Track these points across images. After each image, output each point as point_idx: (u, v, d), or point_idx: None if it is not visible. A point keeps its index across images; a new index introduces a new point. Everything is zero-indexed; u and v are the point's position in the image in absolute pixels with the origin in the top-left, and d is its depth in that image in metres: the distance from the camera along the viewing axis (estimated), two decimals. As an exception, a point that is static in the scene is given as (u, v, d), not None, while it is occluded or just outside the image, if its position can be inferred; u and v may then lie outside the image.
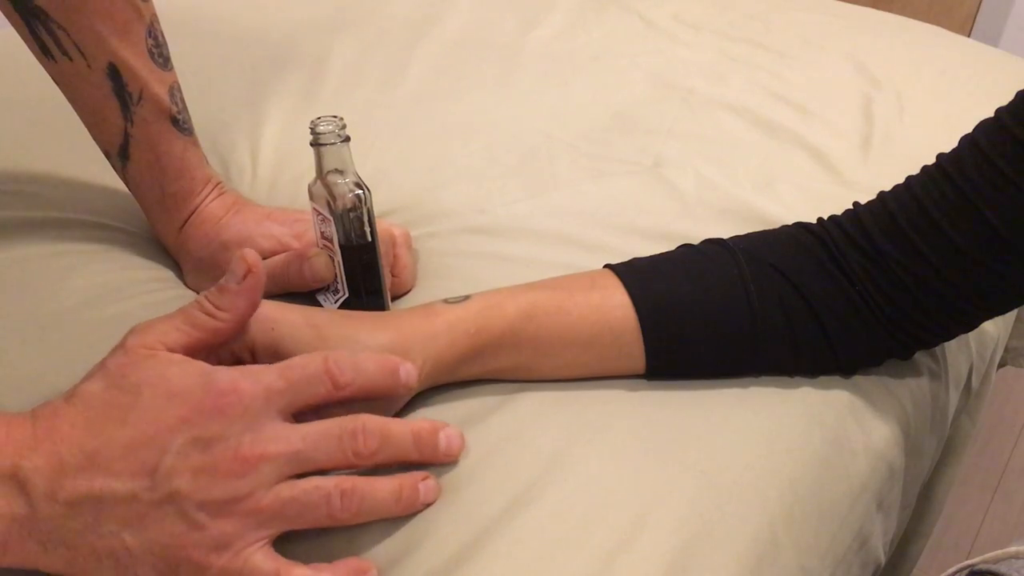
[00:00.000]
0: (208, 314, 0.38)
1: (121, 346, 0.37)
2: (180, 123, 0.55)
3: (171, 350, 0.38)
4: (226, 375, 0.36)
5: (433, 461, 0.41)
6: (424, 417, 0.45)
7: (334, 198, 0.49)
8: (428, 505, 0.40)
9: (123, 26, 0.51)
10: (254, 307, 0.40)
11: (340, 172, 0.48)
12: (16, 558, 0.35)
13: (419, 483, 0.40)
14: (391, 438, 0.39)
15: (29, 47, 0.53)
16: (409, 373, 0.41)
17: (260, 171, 0.70)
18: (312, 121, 0.47)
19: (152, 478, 0.34)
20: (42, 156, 0.68)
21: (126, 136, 0.54)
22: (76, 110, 0.55)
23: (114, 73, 0.52)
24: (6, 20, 0.53)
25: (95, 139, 0.56)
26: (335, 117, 0.47)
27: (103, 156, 0.57)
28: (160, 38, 0.54)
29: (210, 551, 0.35)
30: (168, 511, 0.35)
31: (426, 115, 0.78)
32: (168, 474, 0.34)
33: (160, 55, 0.54)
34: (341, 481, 0.37)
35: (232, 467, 0.35)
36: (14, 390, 0.47)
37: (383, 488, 0.39)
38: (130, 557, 0.35)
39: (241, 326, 0.40)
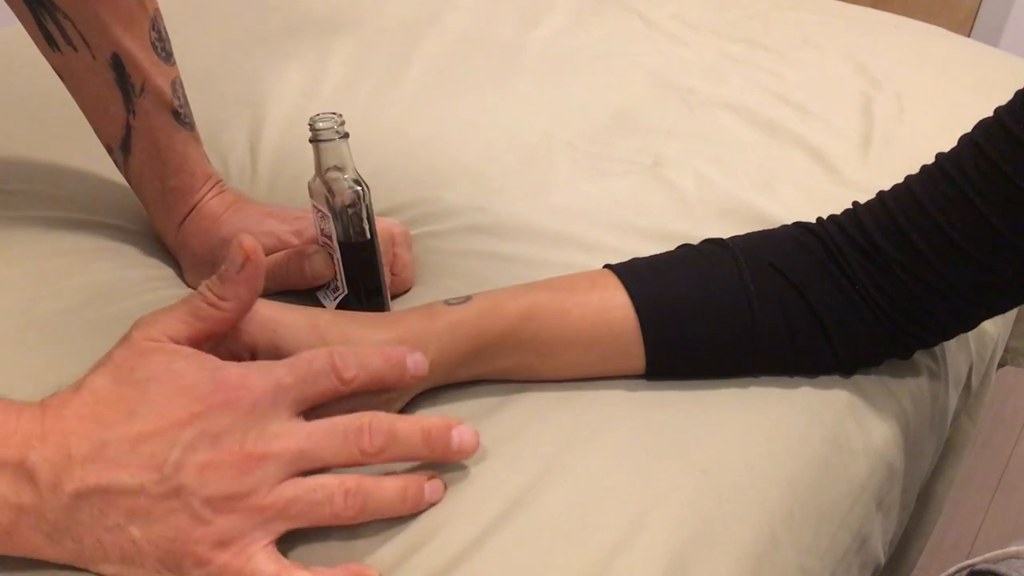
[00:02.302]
0: (211, 304, 0.38)
1: (127, 339, 0.37)
2: (181, 117, 0.55)
3: (177, 342, 0.38)
4: (235, 370, 0.37)
5: (445, 459, 0.41)
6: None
7: (333, 195, 0.49)
8: (433, 504, 0.40)
9: (127, 16, 0.52)
10: (256, 294, 0.39)
11: (339, 169, 0.48)
12: (22, 547, 0.35)
13: (425, 483, 0.40)
14: (399, 436, 0.39)
15: (34, 39, 0.53)
16: (418, 363, 0.41)
17: (260, 170, 0.70)
18: (311, 118, 0.47)
19: (160, 472, 0.34)
20: (42, 155, 0.68)
21: (128, 128, 0.54)
22: (79, 103, 0.56)
23: (117, 63, 0.52)
24: (6, 19, 0.53)
25: (98, 133, 0.56)
26: (334, 114, 0.47)
27: (104, 155, 0.57)
28: (163, 32, 0.55)
29: (214, 547, 0.35)
30: (174, 505, 0.35)
31: (426, 115, 0.78)
32: (176, 468, 0.34)
33: (163, 49, 0.54)
34: (346, 480, 0.37)
35: (237, 463, 0.35)
36: (14, 390, 0.47)
37: (388, 487, 0.39)
38: (136, 550, 0.35)
39: (244, 314, 0.40)
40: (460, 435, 0.40)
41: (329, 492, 0.37)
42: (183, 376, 0.36)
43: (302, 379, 0.37)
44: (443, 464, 0.42)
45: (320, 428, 0.37)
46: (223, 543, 0.35)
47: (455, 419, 0.41)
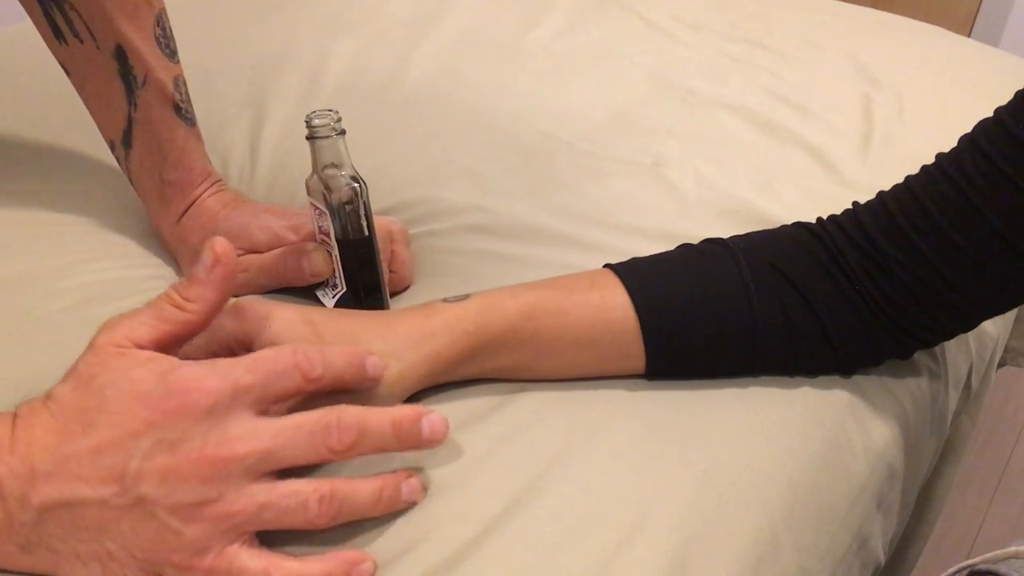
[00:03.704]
0: (177, 306, 0.37)
1: (91, 345, 0.36)
2: (183, 111, 0.56)
3: (141, 346, 0.36)
4: (191, 372, 0.35)
5: (417, 448, 0.40)
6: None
7: (330, 191, 0.49)
8: (413, 504, 0.40)
9: (132, 10, 0.52)
10: (224, 297, 0.38)
11: (336, 166, 0.48)
12: None
13: (402, 482, 0.39)
14: (368, 431, 0.37)
15: (41, 32, 0.54)
16: (375, 366, 0.40)
17: (259, 170, 0.70)
18: (308, 115, 0.47)
19: (121, 483, 0.34)
20: (42, 155, 0.68)
21: (130, 120, 0.55)
22: (83, 98, 0.56)
23: (121, 55, 0.53)
24: (5, 19, 0.53)
25: (100, 128, 0.56)
26: (330, 110, 0.47)
27: (105, 155, 0.57)
28: (168, 31, 0.55)
29: (192, 554, 0.34)
30: (140, 516, 0.34)
31: (426, 115, 0.78)
32: (136, 479, 0.33)
33: (167, 46, 0.55)
34: (320, 486, 0.36)
35: (198, 469, 0.34)
36: (13, 389, 0.47)
37: (363, 490, 0.38)
38: (114, 561, 0.34)
39: (212, 317, 0.38)
40: (431, 423, 0.39)
41: (303, 499, 0.36)
42: (139, 382, 0.34)
43: (263, 379, 0.36)
44: (441, 462, 0.42)
45: (287, 427, 0.36)
46: (200, 550, 0.34)
47: (425, 408, 0.40)
